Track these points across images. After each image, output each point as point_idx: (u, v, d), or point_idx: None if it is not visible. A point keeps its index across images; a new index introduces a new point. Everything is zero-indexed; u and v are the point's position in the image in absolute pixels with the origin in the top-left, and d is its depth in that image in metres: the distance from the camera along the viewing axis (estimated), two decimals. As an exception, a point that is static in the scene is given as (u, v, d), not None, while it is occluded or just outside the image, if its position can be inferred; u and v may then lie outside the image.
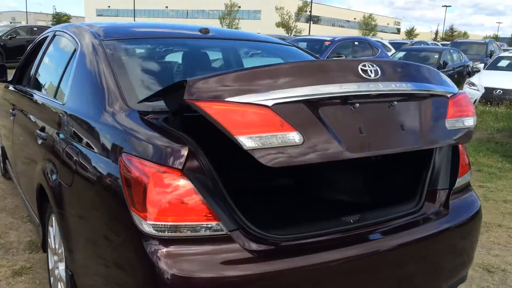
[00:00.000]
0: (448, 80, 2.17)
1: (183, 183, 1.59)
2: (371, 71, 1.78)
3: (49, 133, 2.45)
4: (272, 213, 2.29)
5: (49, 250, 2.55)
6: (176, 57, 2.92)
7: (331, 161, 1.70)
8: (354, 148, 1.72)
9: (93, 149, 1.96)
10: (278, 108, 1.60)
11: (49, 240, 2.53)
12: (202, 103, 1.54)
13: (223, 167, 2.01)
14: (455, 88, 2.14)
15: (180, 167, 1.60)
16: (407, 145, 1.87)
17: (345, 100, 1.74)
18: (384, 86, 1.80)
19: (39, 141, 2.52)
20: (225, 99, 1.56)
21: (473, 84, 11.55)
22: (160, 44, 2.89)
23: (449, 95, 2.06)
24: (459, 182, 2.26)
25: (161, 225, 1.57)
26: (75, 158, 2.06)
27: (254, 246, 1.67)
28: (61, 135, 2.29)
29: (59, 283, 2.36)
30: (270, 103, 1.59)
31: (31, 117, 2.91)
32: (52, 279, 2.53)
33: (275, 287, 1.66)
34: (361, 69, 1.76)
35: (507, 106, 10.66)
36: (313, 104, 1.67)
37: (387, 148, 1.82)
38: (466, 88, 11.77)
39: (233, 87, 1.59)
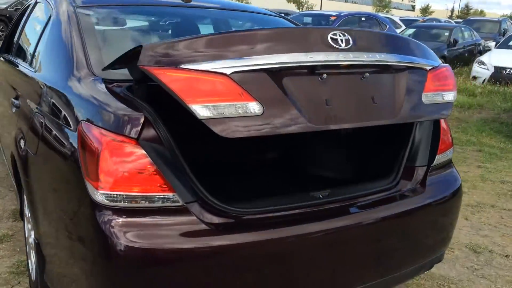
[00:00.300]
0: (430, 52, 2.07)
1: (138, 153, 1.55)
2: (341, 40, 1.69)
3: (21, 101, 2.41)
4: (240, 187, 2.24)
5: (25, 219, 2.54)
6: (153, 26, 2.85)
7: (308, 135, 1.64)
8: (318, 120, 1.65)
9: (57, 116, 1.91)
10: (237, 76, 1.53)
11: (25, 208, 2.52)
12: (156, 70, 1.48)
13: (196, 139, 1.96)
14: (436, 61, 2.04)
15: (135, 136, 1.55)
16: (377, 119, 1.79)
17: (311, 70, 1.67)
18: (355, 57, 1.72)
19: (13, 109, 2.49)
20: (181, 66, 1.49)
21: (483, 63, 11.28)
22: (138, 12, 2.81)
23: (428, 68, 1.97)
24: (439, 159, 2.19)
25: (114, 195, 1.53)
26: (40, 126, 2.02)
27: (212, 218, 1.63)
28: (31, 103, 2.25)
29: (32, 252, 2.36)
30: (228, 71, 1.52)
31: (10, 85, 2.87)
32: (27, 247, 2.52)
33: (233, 261, 1.62)
34: (330, 38, 1.68)
35: (516, 86, 10.42)
36: (276, 73, 1.60)
37: (355, 121, 1.75)
38: (475, 66, 11.51)
39: (190, 53, 1.52)
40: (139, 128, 1.56)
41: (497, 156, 5.79)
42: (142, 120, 1.57)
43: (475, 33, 15.17)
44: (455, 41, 13.45)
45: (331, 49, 1.68)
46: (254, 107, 1.54)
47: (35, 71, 2.34)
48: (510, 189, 4.55)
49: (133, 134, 1.55)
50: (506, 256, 3.12)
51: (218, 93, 1.50)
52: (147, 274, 1.52)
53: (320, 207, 1.83)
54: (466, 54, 13.87)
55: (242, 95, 1.53)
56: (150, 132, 1.58)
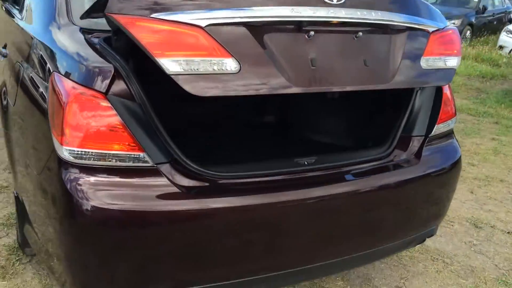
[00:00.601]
0: (435, 12, 1.91)
1: (105, 108, 1.46)
2: None
3: (8, 50, 2.34)
4: (218, 149, 2.14)
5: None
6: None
7: (296, 97, 1.53)
8: (301, 82, 1.53)
9: (33, 66, 1.84)
10: (213, 30, 1.42)
11: (14, 161, 2.49)
12: (124, 19, 1.37)
13: (174, 97, 1.86)
14: (441, 22, 1.88)
15: (104, 90, 1.46)
16: (368, 84, 1.67)
17: (298, 26, 1.54)
18: (348, 14, 1.58)
19: (1, 59, 2.42)
20: (151, 16, 1.38)
21: (511, 32, 10.78)
22: None
23: (431, 30, 1.82)
24: (439, 129, 2.06)
25: (79, 151, 1.45)
26: (19, 76, 1.94)
27: (184, 181, 1.55)
28: (15, 52, 2.18)
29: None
30: (203, 23, 1.41)
31: (3, 34, 2.79)
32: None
33: (204, 228, 1.55)
34: None
35: (544, 57, 9.97)
36: (256, 28, 1.48)
37: (342, 85, 1.63)
38: (503, 35, 11.02)
39: (162, 2, 1.41)
40: (108, 81, 1.47)
41: (514, 129, 5.57)
42: (111, 73, 1.47)
43: (506, 0, 14.45)
44: (484, 8, 12.85)
45: (321, 3, 1.54)
46: (230, 64, 1.43)
47: (21, 19, 2.25)
48: (523, 164, 4.38)
49: (102, 87, 1.46)
50: (508, 232, 3.01)
51: (191, 47, 1.40)
52: (112, 236, 1.46)
53: (303, 174, 1.74)
54: (495, 22, 13.25)
55: (218, 51, 1.42)
56: (120, 86, 1.49)
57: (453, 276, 2.47)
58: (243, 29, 1.46)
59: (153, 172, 1.51)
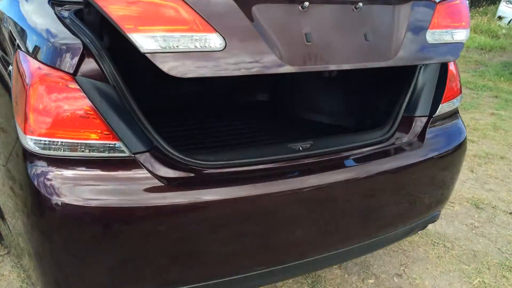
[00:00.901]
0: (442, -19, 1.73)
1: (73, 90, 1.29)
2: None
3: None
4: (203, 135, 1.98)
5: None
6: None
7: (288, 75, 1.36)
8: (295, 60, 1.37)
9: (4, 44, 1.65)
10: (194, 0, 1.24)
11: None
12: (90, -12, 1.19)
13: (154, 78, 1.70)
14: (448, -9, 1.71)
15: (71, 71, 1.29)
16: (369, 60, 1.50)
17: None
18: None
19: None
20: None
21: (511, 2, 10.53)
22: None
23: (437, 0, 1.65)
24: (443, 108, 1.90)
25: (46, 141, 1.29)
26: None
27: (166, 172, 1.40)
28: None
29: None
30: None
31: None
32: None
33: (189, 222, 1.40)
34: None
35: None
36: None
37: (341, 62, 1.47)
38: (502, 5, 10.77)
39: None
40: (76, 61, 1.30)
41: (513, 103, 5.44)
42: (80, 51, 1.30)
43: (505, -32, 14.11)
44: (483, -23, 12.55)
45: None
46: (215, 40, 1.26)
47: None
48: (523, 139, 4.26)
49: (69, 68, 1.29)
50: (510, 213, 2.90)
51: (169, 21, 1.23)
52: (85, 235, 1.32)
53: (298, 161, 1.59)
54: (494, -8, 12.97)
55: (200, 25, 1.25)
56: (91, 66, 1.32)
57: (455, 261, 2.37)
58: (228, 0, 1.29)
59: (131, 163, 1.36)
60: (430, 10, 1.62)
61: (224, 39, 1.27)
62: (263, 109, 2.56)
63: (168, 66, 1.21)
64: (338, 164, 1.65)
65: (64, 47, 1.32)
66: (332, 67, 1.47)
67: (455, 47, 1.68)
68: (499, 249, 2.52)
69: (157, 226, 1.35)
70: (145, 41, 1.19)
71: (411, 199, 1.84)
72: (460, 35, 1.70)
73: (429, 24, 1.62)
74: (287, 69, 1.34)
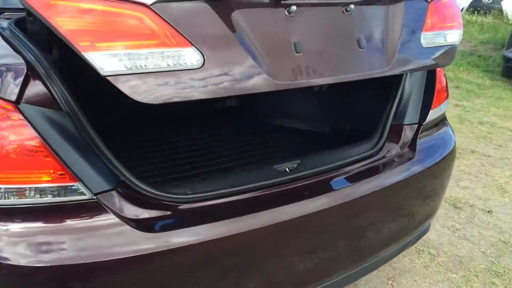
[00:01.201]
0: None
1: (16, 122, 1.05)
2: None
3: None
4: (176, 164, 1.75)
5: None
6: None
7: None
8: (285, 74, 1.17)
9: None
10: (163, 8, 1.02)
11: None
12: (32, -4, 0.95)
13: (115, 99, 1.46)
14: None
15: (13, 98, 1.05)
16: (364, 70, 1.33)
17: (274, 0, 1.16)
18: None
19: None
20: None
21: (461, -10, 10.76)
22: None
23: (429, -2, 1.50)
24: (432, 115, 1.77)
25: None
26: None
27: (136, 213, 1.17)
28: None
29: None
30: (149, 0, 1.01)
31: None
32: None
33: (165, 271, 1.18)
34: None
35: (494, 16, 9.99)
36: (222, 4, 1.10)
37: (335, 74, 1.28)
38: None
39: None
40: (18, 84, 1.05)
41: (475, 93, 5.48)
42: (23, 72, 1.06)
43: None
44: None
45: None
46: (191, 56, 1.05)
47: None
48: (489, 131, 4.26)
49: (10, 94, 1.05)
50: (488, 211, 2.84)
51: (134, 35, 1.01)
52: None
53: (286, 186, 1.40)
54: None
55: (172, 38, 1.03)
56: (37, 91, 1.07)
57: (442, 270, 2.26)
58: (204, 6, 1.07)
59: (93, 206, 1.12)
60: (423, 10, 1.47)
61: (202, 54, 1.06)
62: (234, 116, 2.35)
63: (136, 91, 0.99)
64: (330, 186, 1.48)
65: (2, 68, 1.07)
66: (328, 80, 1.28)
67: (449, 50, 1.54)
68: (484, 252, 2.44)
69: (127, 281, 1.13)
70: (105, 61, 0.96)
71: (406, 214, 1.70)
72: (454, 36, 1.56)
73: (423, 26, 1.46)
74: (276, 86, 1.15)
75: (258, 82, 1.12)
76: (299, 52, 1.19)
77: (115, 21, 0.98)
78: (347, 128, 1.88)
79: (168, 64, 1.03)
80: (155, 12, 1.02)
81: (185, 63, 1.04)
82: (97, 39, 0.96)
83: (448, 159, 1.80)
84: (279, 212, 1.31)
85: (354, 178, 1.52)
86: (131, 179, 1.18)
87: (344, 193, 1.47)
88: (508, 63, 5.89)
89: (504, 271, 2.27)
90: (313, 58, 1.22)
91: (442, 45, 1.51)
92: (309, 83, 1.21)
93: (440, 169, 1.77)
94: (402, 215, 1.68)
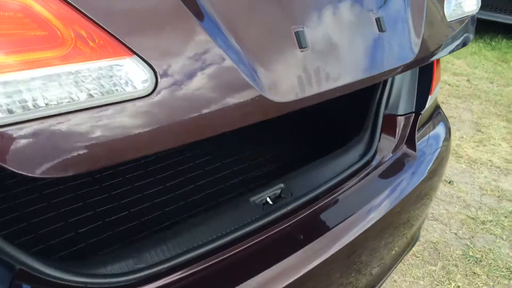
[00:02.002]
0: None
1: None
2: None
3: None
4: (103, 229, 1.23)
5: None
6: None
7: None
8: (287, 86, 0.73)
9: None
10: None
11: None
12: None
13: None
14: None
15: None
16: (390, 64, 0.91)
17: None
18: None
19: None
20: None
21: None
22: None
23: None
24: (429, 102, 1.42)
25: None
26: None
27: None
28: None
29: None
30: None
31: None
32: None
33: None
34: None
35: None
36: None
37: (356, 74, 0.85)
38: None
39: None
40: None
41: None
42: None
43: None
44: None
45: None
46: (131, 73, 0.57)
47: None
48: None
49: None
50: (449, 182, 2.65)
51: (13, 42, 0.50)
52: None
53: (273, 228, 0.98)
54: None
55: (92, 42, 0.54)
56: None
57: (420, 263, 2.02)
58: None
59: None
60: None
61: (152, 69, 0.57)
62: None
63: (25, 159, 0.50)
64: (327, 216, 1.08)
65: None
66: (348, 88, 0.83)
67: (472, 22, 1.16)
68: (456, 234, 2.23)
69: None
70: None
71: (409, 227, 1.37)
72: (471, 3, 1.18)
73: (444, -8, 1.06)
74: (277, 108, 0.70)
75: (250, 107, 0.66)
76: (304, 47, 0.74)
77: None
78: (329, 125, 1.48)
79: (90, 94, 0.54)
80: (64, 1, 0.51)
81: (123, 89, 0.56)
82: None
83: (446, 152, 1.48)
84: (265, 271, 0.90)
85: (354, 200, 1.14)
86: (34, 265, 0.70)
87: (351, 224, 1.08)
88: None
89: (482, 256, 2.08)
90: (323, 54, 0.77)
91: (464, 16, 1.13)
92: (323, 96, 0.77)
93: (440, 165, 1.44)
94: (406, 228, 1.35)
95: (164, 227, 1.06)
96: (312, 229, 1.01)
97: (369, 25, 0.86)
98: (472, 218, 2.34)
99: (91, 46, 0.54)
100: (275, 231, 0.98)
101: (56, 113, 0.51)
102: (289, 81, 0.71)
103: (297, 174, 1.12)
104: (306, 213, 1.03)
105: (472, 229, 2.26)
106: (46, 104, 0.51)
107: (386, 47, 0.90)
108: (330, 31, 0.79)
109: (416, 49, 0.94)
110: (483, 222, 2.31)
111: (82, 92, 0.53)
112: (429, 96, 1.39)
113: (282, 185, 1.07)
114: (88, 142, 0.52)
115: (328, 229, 1.03)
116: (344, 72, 0.81)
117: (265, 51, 0.69)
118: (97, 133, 0.53)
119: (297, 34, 0.73)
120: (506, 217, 2.36)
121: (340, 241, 1.02)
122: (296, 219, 1.02)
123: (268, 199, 1.03)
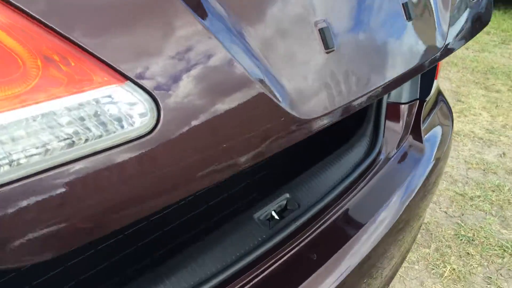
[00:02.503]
0: None
1: None
2: None
3: None
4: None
5: None
6: None
7: None
8: (314, 98, 0.58)
9: None
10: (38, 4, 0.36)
11: None
12: None
13: None
14: None
15: None
16: (419, 58, 0.78)
17: None
18: None
19: None
20: None
21: None
22: None
23: None
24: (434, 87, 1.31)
25: None
26: None
27: None
28: None
29: None
30: None
31: None
32: None
33: None
34: None
35: None
36: None
37: (385, 76, 0.71)
38: None
39: None
40: None
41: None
42: None
43: None
44: None
45: None
46: (126, 105, 0.41)
47: None
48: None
49: None
50: (434, 157, 2.59)
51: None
52: None
53: (283, 250, 0.85)
54: None
55: (71, 68, 0.38)
56: None
57: (413, 246, 1.96)
58: None
59: None
60: None
61: (153, 100, 0.42)
62: None
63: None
64: (341, 227, 0.96)
65: None
66: (381, 92, 0.69)
67: (488, 1, 1.04)
68: (446, 212, 2.18)
69: None
70: None
71: (415, 219, 1.28)
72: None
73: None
74: (307, 126, 0.56)
75: (276, 130, 0.52)
76: (330, 48, 0.59)
77: None
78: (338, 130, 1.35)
79: (73, 141, 0.38)
80: (20, 11, 0.35)
81: (115, 128, 0.41)
82: None
83: (451, 138, 1.38)
84: None
85: (371, 203, 1.03)
86: None
87: (369, 232, 0.97)
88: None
89: (474, 235, 2.04)
90: (352, 54, 0.63)
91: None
92: (353, 107, 0.63)
93: (447, 152, 1.35)
94: (415, 221, 1.26)
95: (164, 252, 0.92)
96: (326, 244, 0.89)
97: (397, 11, 0.72)
98: (461, 195, 2.30)
99: (66, 72, 0.38)
100: (285, 252, 0.85)
101: (24, 175, 0.36)
102: (316, 93, 0.57)
103: (302, 180, 0.99)
104: (317, 227, 0.91)
105: (461, 206, 2.22)
106: (9, 164, 0.35)
107: (414, 38, 0.76)
108: (356, 25, 0.65)
109: (443, 38, 0.82)
110: (471, 198, 2.27)
111: (59, 140, 0.37)
112: (435, 81, 1.27)
113: (287, 195, 0.94)
114: (68, 215, 0.37)
115: (344, 242, 0.91)
116: (375, 73, 0.67)
117: (286, 55, 0.55)
118: (83, 197, 0.38)
119: (321, 31, 0.58)
120: (493, 191, 2.32)
121: (358, 254, 0.91)
122: (307, 234, 0.89)
123: (273, 213, 0.90)
